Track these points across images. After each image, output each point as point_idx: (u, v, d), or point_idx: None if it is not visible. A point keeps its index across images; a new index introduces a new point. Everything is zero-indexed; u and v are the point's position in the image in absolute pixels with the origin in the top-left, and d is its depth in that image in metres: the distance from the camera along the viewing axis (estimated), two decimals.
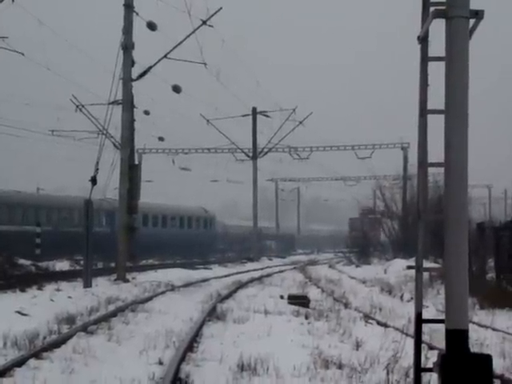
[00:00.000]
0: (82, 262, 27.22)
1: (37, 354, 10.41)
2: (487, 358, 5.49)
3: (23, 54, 28.39)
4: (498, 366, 9.31)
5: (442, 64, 5.57)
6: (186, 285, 26.16)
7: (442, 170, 5.60)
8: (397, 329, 13.70)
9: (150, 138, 48.37)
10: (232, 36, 57.49)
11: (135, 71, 29.05)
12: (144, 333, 12.91)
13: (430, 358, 7.62)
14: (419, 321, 5.79)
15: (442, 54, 5.59)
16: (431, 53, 5.72)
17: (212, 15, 30.61)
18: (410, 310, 12.08)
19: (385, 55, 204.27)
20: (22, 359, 9.95)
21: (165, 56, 30.10)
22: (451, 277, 5.50)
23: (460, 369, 5.39)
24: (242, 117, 52.53)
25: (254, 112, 53.70)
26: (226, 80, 51.88)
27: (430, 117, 5.71)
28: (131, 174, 29.16)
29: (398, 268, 32.95)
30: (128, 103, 28.89)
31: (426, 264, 5.98)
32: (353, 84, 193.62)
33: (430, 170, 5.79)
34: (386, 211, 54.52)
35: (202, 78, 43.42)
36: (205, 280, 28.95)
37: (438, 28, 5.59)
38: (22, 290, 20.75)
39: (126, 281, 26.84)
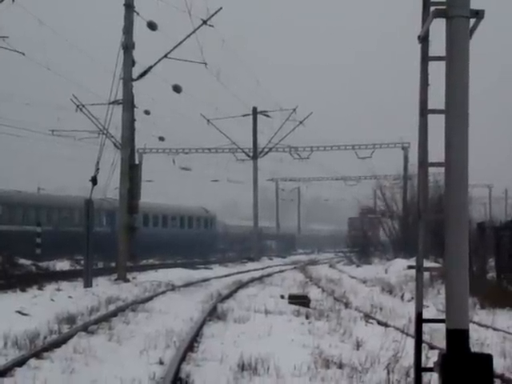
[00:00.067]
0: (82, 262, 27.25)
1: (37, 354, 10.41)
2: (488, 358, 5.49)
3: (23, 54, 28.43)
4: (498, 365, 9.31)
5: (443, 64, 5.58)
6: (187, 285, 26.16)
7: (442, 169, 5.60)
8: (397, 328, 13.70)
9: (150, 138, 48.44)
10: (232, 36, 57.41)
11: (135, 71, 29.09)
12: (144, 332, 12.91)
13: (431, 358, 7.63)
14: (420, 320, 5.80)
15: (443, 53, 5.59)
16: (431, 52, 5.73)
17: (212, 15, 30.65)
18: (410, 309, 12.08)
19: (385, 55, 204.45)
20: (23, 359, 9.95)
21: (165, 56, 30.11)
22: (452, 276, 5.51)
23: (460, 368, 5.40)
24: (242, 117, 52.58)
25: (255, 112, 53.71)
26: (227, 80, 51.69)
27: (430, 116, 5.71)
28: (132, 173, 29.16)
29: (399, 268, 32.94)
30: (128, 103, 28.89)
31: (427, 264, 5.99)
32: (353, 84, 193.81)
33: (431, 169, 5.79)
34: (386, 211, 54.50)
35: (202, 77, 43.47)
36: (205, 280, 28.95)
37: (438, 28, 5.59)
38: (23, 290, 20.76)
39: (127, 281, 26.84)
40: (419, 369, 5.81)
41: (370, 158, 58.94)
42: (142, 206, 35.31)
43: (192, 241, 55.62)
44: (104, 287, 23.43)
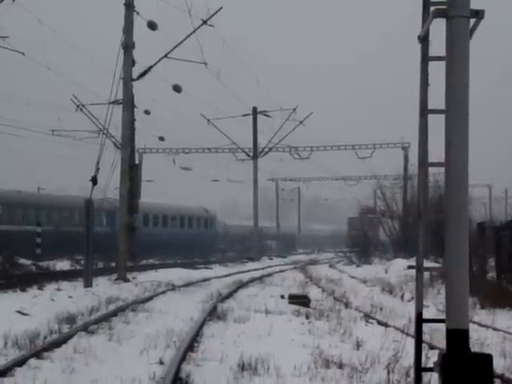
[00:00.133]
0: (82, 262, 27.25)
1: (37, 354, 10.41)
2: (488, 358, 5.49)
3: (24, 54, 28.43)
4: (498, 365, 9.31)
5: (443, 64, 5.58)
6: (187, 284, 26.16)
7: (442, 169, 5.61)
8: (397, 328, 13.70)
9: (150, 138, 48.44)
10: (232, 36, 57.42)
11: (136, 71, 29.09)
12: (145, 332, 12.91)
13: (431, 358, 7.63)
14: (420, 320, 5.80)
15: (443, 53, 5.59)
16: (432, 52, 5.73)
17: (212, 15, 30.64)
18: (410, 309, 12.08)
19: (385, 55, 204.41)
20: (23, 359, 9.95)
21: (165, 56, 30.11)
22: (452, 276, 5.51)
23: (460, 368, 5.40)
24: (242, 116, 52.58)
25: (255, 112, 53.71)
26: (227, 80, 51.80)
27: (430, 116, 5.72)
28: (132, 173, 29.16)
29: (399, 268, 32.94)
30: (128, 103, 28.89)
31: (427, 264, 5.99)
32: (353, 84, 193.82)
33: (431, 169, 5.80)
34: (386, 211, 54.51)
35: (202, 77, 43.48)
36: (205, 280, 28.95)
37: (438, 28, 5.59)
38: (23, 290, 20.76)
39: (127, 280, 26.84)
40: (419, 369, 5.81)
41: (370, 157, 58.99)
42: (142, 205, 35.32)
43: (192, 241, 55.63)
44: (104, 287, 23.43)
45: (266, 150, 54.89)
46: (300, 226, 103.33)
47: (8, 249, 32.10)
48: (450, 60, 5.51)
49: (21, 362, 9.75)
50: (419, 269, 5.74)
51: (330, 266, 45.27)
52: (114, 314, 15.88)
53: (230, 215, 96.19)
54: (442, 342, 6.02)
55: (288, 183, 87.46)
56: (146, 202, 43.91)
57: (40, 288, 21.62)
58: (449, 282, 5.52)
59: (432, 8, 5.63)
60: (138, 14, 28.51)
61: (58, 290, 21.45)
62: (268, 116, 53.09)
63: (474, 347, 6.93)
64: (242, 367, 9.75)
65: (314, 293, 22.44)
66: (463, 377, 5.39)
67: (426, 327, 6.71)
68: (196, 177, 67.16)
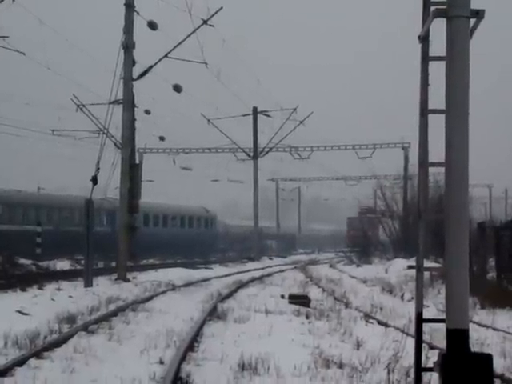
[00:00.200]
0: (82, 262, 27.26)
1: (37, 354, 10.42)
2: (488, 358, 5.49)
3: (24, 54, 28.42)
4: (498, 365, 9.31)
5: (443, 64, 5.58)
6: (187, 284, 26.16)
7: (442, 169, 5.61)
8: (397, 328, 13.70)
9: (150, 138, 48.45)
10: (232, 36, 57.41)
11: (136, 71, 29.11)
12: (145, 332, 12.92)
13: (431, 358, 7.63)
14: (420, 320, 5.80)
15: (443, 53, 5.59)
16: (432, 52, 5.73)
17: (213, 15, 30.64)
18: (410, 309, 12.07)
19: (385, 55, 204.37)
20: (23, 359, 9.95)
21: (165, 55, 30.12)
22: (452, 276, 5.51)
23: (460, 368, 5.40)
24: (242, 116, 52.58)
25: (255, 111, 53.71)
26: (227, 79, 51.85)
27: (430, 116, 5.71)
28: (132, 173, 29.17)
29: (399, 268, 32.94)
30: (129, 103, 28.90)
31: (427, 264, 5.99)
32: (353, 84, 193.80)
33: (431, 169, 5.80)
34: (385, 210, 54.53)
35: (202, 77, 43.48)
36: (205, 279, 28.96)
37: (438, 28, 5.59)
38: (23, 290, 20.76)
39: (127, 280, 26.85)
40: (419, 369, 5.81)
41: (370, 157, 59.00)
42: (143, 205, 35.34)
43: (192, 240, 55.62)
44: (104, 287, 23.44)
45: (267, 149, 54.90)
46: (300, 226, 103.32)
47: (8, 248, 32.10)
48: (450, 60, 5.51)
49: (21, 362, 9.76)
50: (419, 269, 5.74)
51: (331, 266, 45.27)
52: (114, 313, 15.89)
53: (231, 215, 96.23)
54: (442, 342, 6.02)
55: (288, 183, 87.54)
56: (146, 202, 43.94)
57: (40, 288, 21.63)
58: (449, 281, 5.52)
59: (432, 8, 5.63)
60: (138, 13, 28.53)
61: (59, 289, 21.46)
62: (268, 116, 53.11)
63: (474, 347, 6.93)
64: (242, 367, 9.75)
65: (314, 293, 22.44)
66: (463, 377, 5.39)
67: (426, 327, 6.70)
68: (196, 177, 67.23)
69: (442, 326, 5.58)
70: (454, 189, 5.51)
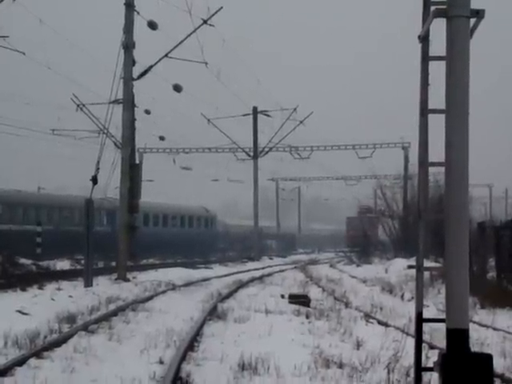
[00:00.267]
0: (82, 262, 27.26)
1: (37, 354, 10.42)
2: (488, 358, 5.49)
3: (24, 54, 28.43)
4: (498, 365, 9.31)
5: (443, 63, 5.58)
6: (187, 284, 26.16)
7: (442, 169, 5.60)
8: (397, 328, 13.71)
9: (150, 138, 48.44)
10: (233, 35, 57.37)
11: (136, 70, 29.10)
12: (145, 332, 12.92)
13: (431, 358, 7.63)
14: (420, 320, 5.80)
15: (443, 53, 5.59)
16: (432, 52, 5.73)
17: (213, 14, 30.63)
18: (410, 309, 12.08)
19: (385, 55, 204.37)
20: (23, 358, 9.96)
21: (165, 55, 30.11)
22: (452, 276, 5.51)
23: (460, 368, 5.40)
24: (242, 116, 52.58)
25: (255, 111, 53.71)
26: (227, 79, 51.88)
27: (430, 116, 5.71)
28: (132, 173, 29.17)
29: (399, 267, 32.93)
30: (129, 102, 28.90)
31: (427, 263, 5.99)
32: (353, 84, 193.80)
33: (431, 169, 5.79)
34: (384, 210, 54.53)
35: (202, 77, 43.51)
36: (205, 279, 28.96)
37: (438, 27, 5.59)
38: (23, 290, 20.76)
39: (127, 280, 26.85)
40: (419, 368, 5.81)
41: (370, 157, 59.00)
42: (143, 205, 35.32)
43: (192, 240, 55.62)
44: (104, 287, 23.44)
45: (267, 149, 54.89)
46: (300, 226, 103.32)
47: (8, 248, 32.09)
48: (451, 60, 5.51)
49: (21, 362, 9.76)
50: (419, 268, 5.74)
51: (331, 266, 45.27)
52: (114, 313, 15.89)
53: (231, 215, 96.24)
54: (442, 342, 6.02)
55: (288, 183, 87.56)
56: (146, 202, 43.91)
57: (40, 287, 21.63)
58: (449, 281, 5.52)
59: (432, 8, 5.63)
60: (138, 13, 28.53)
61: (59, 289, 21.46)
62: (268, 116, 53.11)
63: (474, 347, 6.94)
64: (242, 367, 9.75)
65: (314, 292, 22.44)
66: (463, 377, 5.39)
67: (426, 327, 6.71)
68: (196, 176, 67.27)
69: (442, 326, 5.58)
70: (453, 189, 5.51)
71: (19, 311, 15.35)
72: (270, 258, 58.25)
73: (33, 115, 50.06)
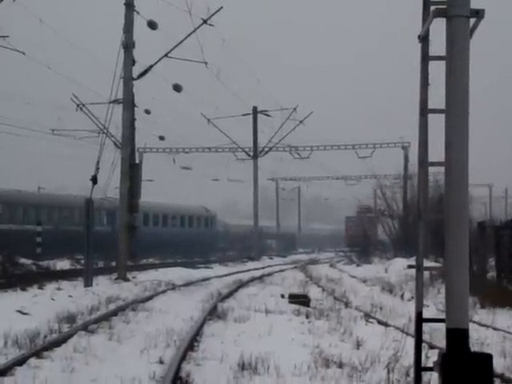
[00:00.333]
0: (82, 261, 27.26)
1: (37, 353, 10.42)
2: (488, 358, 5.49)
3: (24, 53, 28.44)
4: (498, 365, 9.31)
5: (443, 63, 5.58)
6: (187, 284, 26.16)
7: (442, 169, 5.60)
8: (397, 328, 13.71)
9: (150, 137, 48.46)
10: (232, 35, 57.38)
11: (136, 70, 29.12)
12: (145, 332, 12.92)
13: (431, 357, 7.64)
14: (420, 320, 5.80)
15: (443, 53, 5.59)
16: (432, 52, 5.73)
17: (213, 14, 30.63)
18: (410, 309, 12.08)
19: (385, 55, 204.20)
20: (23, 358, 9.96)
21: (165, 55, 30.12)
22: (452, 276, 5.51)
23: (460, 368, 5.40)
24: (242, 116, 52.61)
25: (255, 111, 53.72)
26: (227, 79, 51.84)
27: (430, 116, 5.71)
28: (132, 173, 29.17)
29: (399, 267, 32.93)
30: (129, 102, 28.90)
31: (427, 263, 5.99)
32: (353, 84, 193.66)
33: (431, 169, 5.79)
34: (383, 210, 54.53)
35: (202, 77, 43.53)
36: (205, 279, 28.96)
37: (438, 27, 5.59)
38: (23, 289, 20.77)
39: (127, 280, 26.85)
40: (419, 368, 5.81)
41: (370, 157, 59.00)
42: (143, 205, 35.32)
43: (192, 240, 55.63)
44: (104, 286, 23.44)
45: (266, 149, 54.90)
46: (300, 226, 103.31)
47: (8, 248, 32.09)
48: (450, 60, 5.51)
49: (21, 362, 9.76)
50: (419, 268, 5.74)
51: (331, 266, 45.28)
52: (114, 313, 15.89)
53: (230, 214, 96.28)
54: (441, 342, 6.02)
55: (288, 183, 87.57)
56: (146, 202, 43.90)
57: (40, 287, 21.64)
58: (449, 281, 5.52)
59: (432, 8, 5.63)
60: (138, 13, 28.55)
61: (59, 289, 21.46)
62: (268, 115, 53.13)
63: (474, 347, 6.94)
64: (242, 366, 9.76)
65: (314, 292, 22.44)
66: (463, 376, 5.39)
67: (425, 327, 6.71)
68: (196, 176, 67.27)
69: (442, 326, 5.58)
70: (453, 188, 5.51)
71: (19, 311, 15.36)
72: (270, 258, 58.26)
73: (33, 115, 50.14)
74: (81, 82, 62.66)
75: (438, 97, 5.68)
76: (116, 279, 26.84)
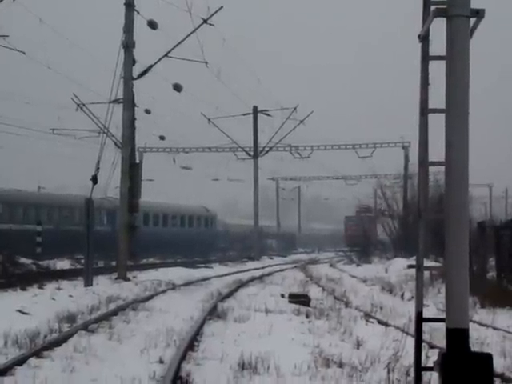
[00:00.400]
0: (82, 261, 27.24)
1: (37, 353, 10.42)
2: (488, 357, 5.49)
3: (24, 53, 28.43)
4: (498, 365, 9.30)
5: (443, 63, 5.58)
6: (187, 284, 26.17)
7: (442, 168, 5.60)
8: (397, 328, 13.71)
9: (150, 137, 48.45)
10: (233, 35, 57.40)
11: (136, 70, 29.12)
12: (145, 331, 12.92)
13: (431, 357, 7.64)
14: (420, 320, 5.80)
15: (443, 53, 5.59)
16: (432, 52, 5.73)
17: (213, 14, 30.63)
18: (410, 308, 12.07)
19: (386, 54, 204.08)
20: (23, 358, 9.96)
21: (166, 55, 30.12)
22: (452, 276, 5.51)
23: (460, 368, 5.40)
24: (242, 116, 52.60)
25: (255, 111, 53.72)
26: (227, 79, 51.82)
27: (430, 116, 5.71)
28: (132, 172, 29.17)
29: (399, 267, 32.93)
30: (129, 102, 28.90)
31: (427, 263, 5.99)
32: (353, 83, 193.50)
33: (431, 168, 5.79)
34: (383, 210, 54.52)
35: (202, 76, 43.53)
36: (205, 279, 28.96)
37: (438, 27, 5.59)
38: (23, 289, 20.76)
39: (127, 279, 26.86)
40: (419, 368, 5.81)
41: (370, 157, 58.97)
42: (143, 205, 35.34)
43: (192, 240, 55.63)
44: (104, 286, 23.44)
45: (267, 149, 54.89)
46: (300, 226, 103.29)
47: (8, 248, 32.09)
48: (451, 59, 5.51)
49: (21, 361, 9.77)
50: (419, 268, 5.74)
51: (331, 266, 45.29)
52: (115, 313, 15.89)
53: (231, 214, 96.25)
54: (441, 342, 6.01)
55: (288, 182, 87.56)
56: (146, 201, 43.91)
57: (40, 287, 21.63)
58: (449, 281, 5.52)
59: (432, 7, 5.63)
60: (138, 13, 28.55)
61: (59, 289, 21.46)
62: (268, 115, 53.14)
63: (474, 346, 6.94)
64: (242, 366, 9.76)
65: (314, 292, 22.44)
66: (463, 376, 5.39)
67: (426, 326, 6.71)
68: (196, 176, 67.23)
69: (442, 326, 5.58)
70: (453, 188, 5.51)
71: (19, 311, 15.36)
72: (270, 258, 58.26)
73: (33, 115, 50.12)
74: (81, 81, 62.66)
75: (438, 97, 5.68)
76: (116, 279, 26.84)
